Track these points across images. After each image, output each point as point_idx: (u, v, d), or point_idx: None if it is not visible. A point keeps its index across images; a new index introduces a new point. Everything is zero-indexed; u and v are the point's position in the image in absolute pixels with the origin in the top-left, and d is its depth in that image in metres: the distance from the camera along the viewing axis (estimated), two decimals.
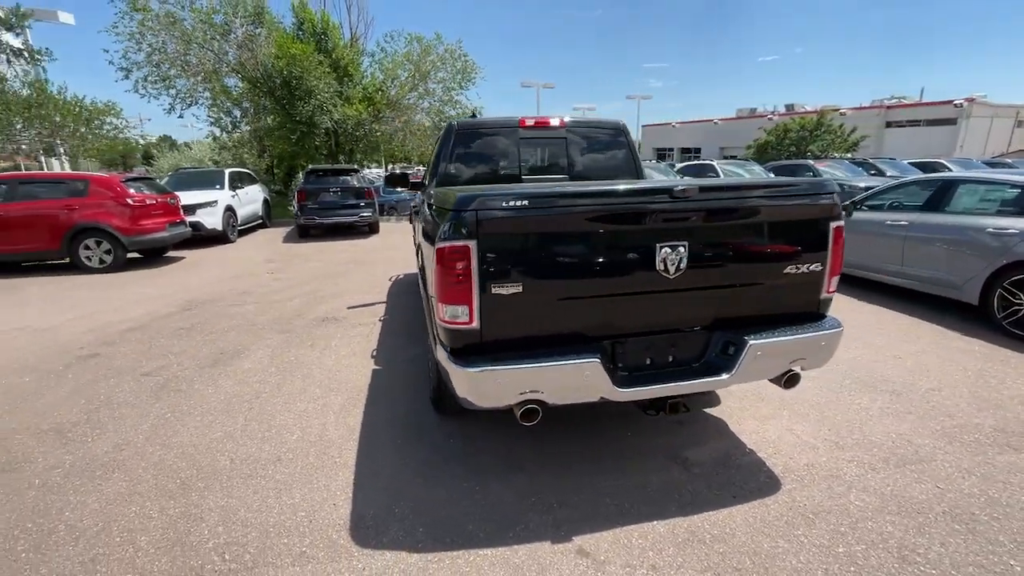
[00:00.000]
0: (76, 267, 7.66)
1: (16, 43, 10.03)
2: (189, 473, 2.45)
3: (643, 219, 1.97)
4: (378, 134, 17.35)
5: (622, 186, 2.02)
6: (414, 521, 2.10)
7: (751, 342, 2.09)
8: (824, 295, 2.29)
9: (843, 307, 5.00)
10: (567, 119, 3.85)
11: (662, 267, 1.99)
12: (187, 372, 3.68)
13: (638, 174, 3.96)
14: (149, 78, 14.41)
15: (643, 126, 46.73)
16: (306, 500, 2.24)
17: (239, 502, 2.22)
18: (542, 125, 3.80)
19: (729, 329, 2.20)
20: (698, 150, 40.04)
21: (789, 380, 2.27)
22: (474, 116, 4.48)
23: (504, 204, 1.84)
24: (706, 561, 1.88)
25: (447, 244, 1.85)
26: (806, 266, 2.19)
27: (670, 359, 2.20)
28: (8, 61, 10.12)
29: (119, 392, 3.36)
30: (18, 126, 10.07)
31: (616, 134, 3.97)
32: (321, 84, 14.65)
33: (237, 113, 17.38)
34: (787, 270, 2.17)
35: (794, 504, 2.18)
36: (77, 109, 10.98)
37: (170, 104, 15.72)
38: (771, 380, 2.29)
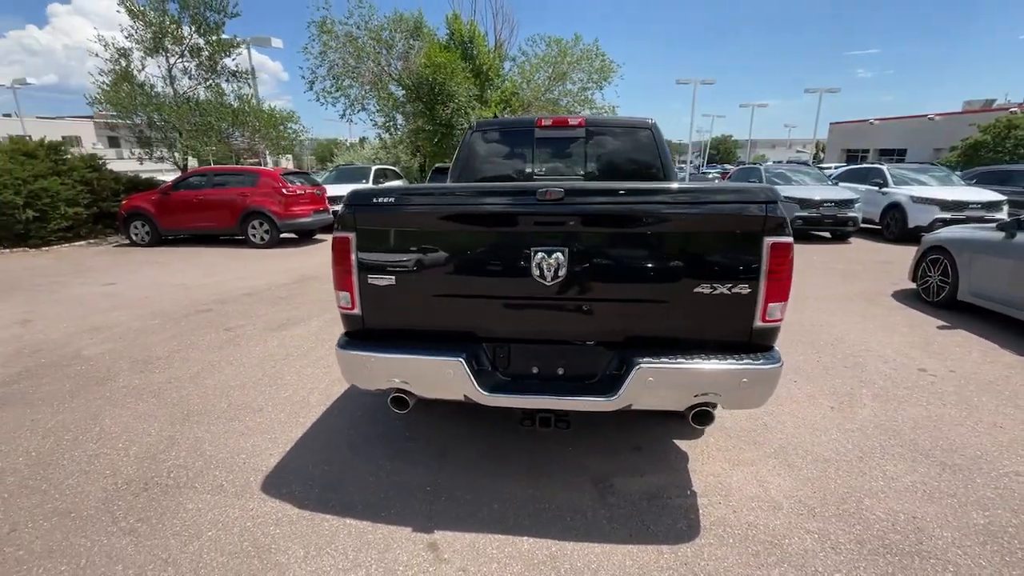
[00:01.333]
0: (246, 242, 9.68)
1: (231, 64, 12.96)
2: (196, 408, 3.05)
3: (511, 221, 1.88)
4: None
5: (483, 186, 1.96)
6: (317, 483, 2.34)
7: (640, 365, 1.85)
8: (759, 324, 1.90)
9: (972, 353, 3.88)
10: (588, 118, 3.70)
11: (538, 273, 1.88)
12: (255, 332, 4.49)
13: (665, 175, 3.62)
14: (327, 88, 17.28)
15: (831, 124, 40.08)
16: (255, 446, 2.63)
17: (210, 437, 2.72)
18: (560, 124, 3.70)
19: (637, 349, 1.97)
20: (902, 151, 32.95)
21: (698, 417, 1.95)
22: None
23: (375, 200, 1.94)
24: None
25: (335, 235, 2.02)
26: (726, 287, 1.84)
27: (559, 372, 2.06)
28: (227, 80, 13.12)
29: (202, 340, 4.27)
30: (230, 131, 13.01)
31: (641, 133, 3.68)
32: (461, 89, 15.91)
33: (399, 117, 19.78)
34: (698, 289, 1.85)
35: (690, 563, 1.87)
36: (270, 117, 13.71)
37: (344, 109, 18.67)
38: (683, 414, 1.99)
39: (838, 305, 5.33)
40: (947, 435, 2.71)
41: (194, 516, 2.10)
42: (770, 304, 1.86)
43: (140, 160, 12.93)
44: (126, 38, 11.86)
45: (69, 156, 10.59)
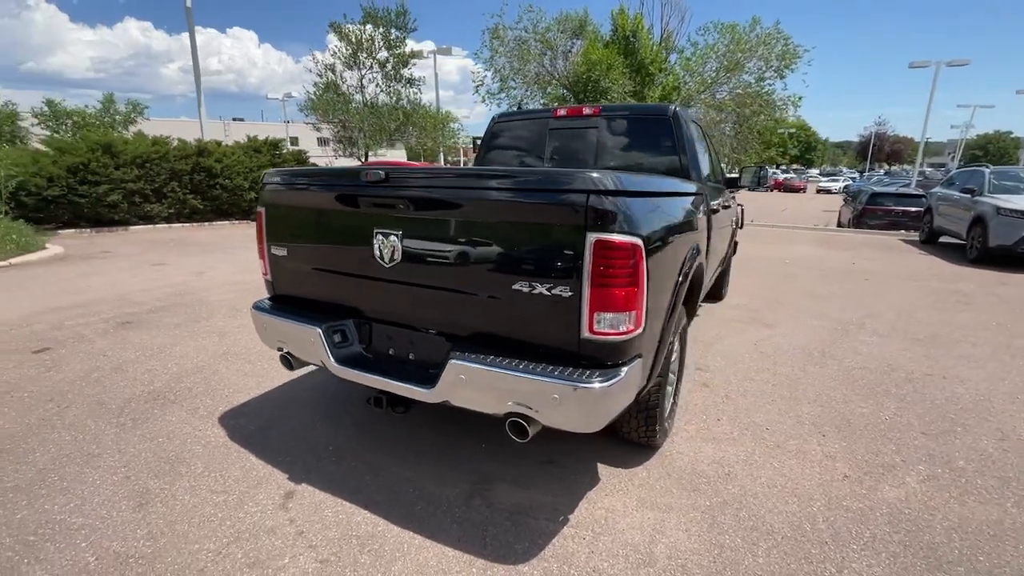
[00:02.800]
0: None
1: (406, 73, 15.02)
2: (237, 350, 3.78)
3: (352, 203, 1.92)
4: None
5: (332, 170, 2.02)
6: (257, 422, 2.73)
7: (452, 361, 1.74)
8: (586, 335, 1.59)
9: None
10: (606, 106, 3.40)
11: (379, 255, 1.90)
12: None
13: (681, 163, 3.14)
14: (491, 90, 18.65)
15: None
16: (244, 385, 3.17)
17: (225, 372, 3.36)
18: (574, 115, 3.48)
19: (465, 343, 1.85)
20: None
21: (514, 427, 1.73)
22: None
23: (270, 180, 2.18)
24: (342, 558, 1.80)
25: (257, 209, 2.34)
26: (545, 287, 1.60)
27: (410, 356, 2.03)
28: (404, 87, 15.24)
29: None
30: (401, 131, 15.12)
31: (659, 121, 3.22)
32: (615, 86, 15.58)
33: None
34: (517, 287, 1.64)
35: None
36: (435, 118, 15.49)
37: (508, 109, 19.92)
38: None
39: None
40: None
41: (163, 426, 2.68)
42: (596, 313, 1.57)
43: (336, 156, 15.90)
44: (332, 55, 14.68)
45: (284, 151, 13.60)
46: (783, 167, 68.60)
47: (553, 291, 1.60)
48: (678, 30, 19.27)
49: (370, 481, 2.26)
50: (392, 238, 1.86)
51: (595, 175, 1.52)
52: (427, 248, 1.83)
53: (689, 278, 2.20)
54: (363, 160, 15.06)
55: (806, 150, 78.68)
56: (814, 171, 68.73)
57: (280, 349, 2.28)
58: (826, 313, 5.01)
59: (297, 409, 2.90)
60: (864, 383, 3.33)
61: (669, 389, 2.60)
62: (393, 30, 14.15)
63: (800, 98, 17.01)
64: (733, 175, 4.65)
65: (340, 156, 15.67)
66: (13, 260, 6.85)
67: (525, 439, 1.72)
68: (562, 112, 3.51)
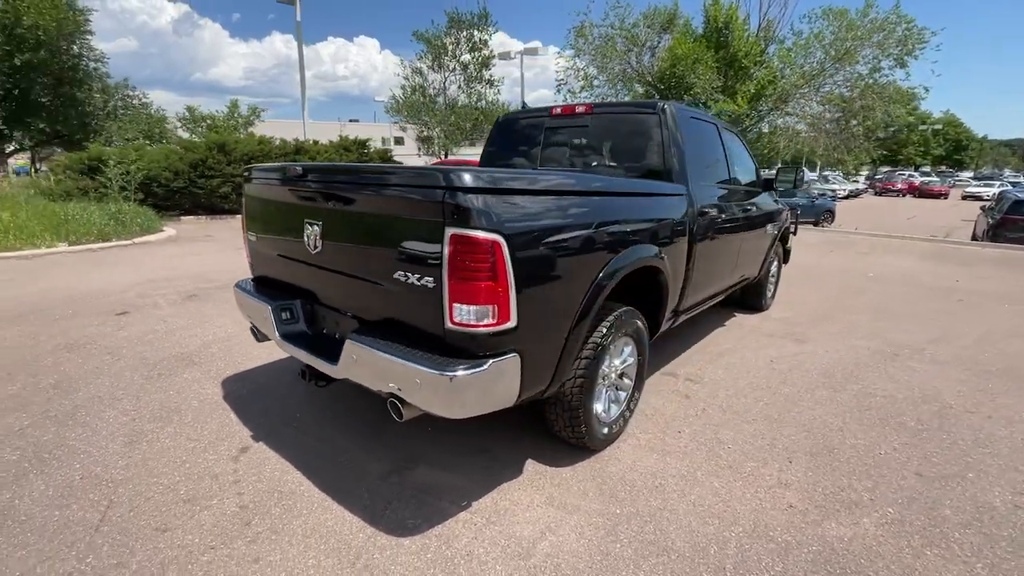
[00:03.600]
0: None
1: (486, 75, 15.47)
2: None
3: (285, 196, 2.13)
4: (755, 131, 15.82)
5: (270, 166, 2.23)
6: (251, 385, 3.11)
7: (348, 341, 1.88)
8: (449, 325, 1.65)
9: None
10: (597, 104, 3.31)
11: (308, 242, 2.10)
12: None
13: (664, 163, 2.97)
14: (572, 89, 18.47)
15: None
16: (257, 355, 3.59)
17: (245, 341, 3.84)
18: (568, 113, 3.43)
19: (367, 326, 1.99)
20: None
21: (392, 407, 1.82)
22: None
23: (245, 173, 2.49)
24: (258, 507, 2.04)
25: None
26: (415, 278, 1.68)
27: (336, 335, 2.21)
28: (485, 87, 15.73)
29: None
30: (477, 129, 15.69)
31: (647, 119, 3.06)
32: (700, 81, 14.71)
33: None
34: (396, 275, 1.74)
35: (363, 548, 1.83)
36: None
37: None
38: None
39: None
40: None
41: (178, 382, 3.16)
42: (455, 304, 1.62)
43: (419, 154, 16.88)
44: (418, 59, 15.58)
45: (370, 149, 14.73)
46: (922, 168, 59.64)
47: (422, 281, 1.68)
48: (780, 18, 17.61)
49: (316, 448, 2.50)
50: (315, 227, 2.06)
51: (454, 172, 1.58)
52: (336, 237, 2.01)
53: (614, 280, 2.13)
54: (442, 158, 15.87)
55: (955, 149, 67.69)
56: (966, 174, 58.73)
57: (249, 322, 2.60)
58: (882, 334, 4.43)
59: (289, 380, 3.25)
60: (878, 413, 2.94)
61: (612, 393, 2.54)
62: (475, 32, 14.68)
63: (926, 89, 14.77)
64: (771, 176, 4.29)
65: (422, 155, 16.65)
66: (136, 239, 8.27)
67: (400, 419, 1.82)
68: (557, 111, 3.49)
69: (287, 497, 2.12)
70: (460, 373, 1.63)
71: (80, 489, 2.13)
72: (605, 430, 2.44)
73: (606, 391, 2.51)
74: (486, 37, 14.95)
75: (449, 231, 1.58)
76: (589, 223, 2.00)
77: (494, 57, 15.25)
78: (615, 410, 2.57)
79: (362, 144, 14.48)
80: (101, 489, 2.13)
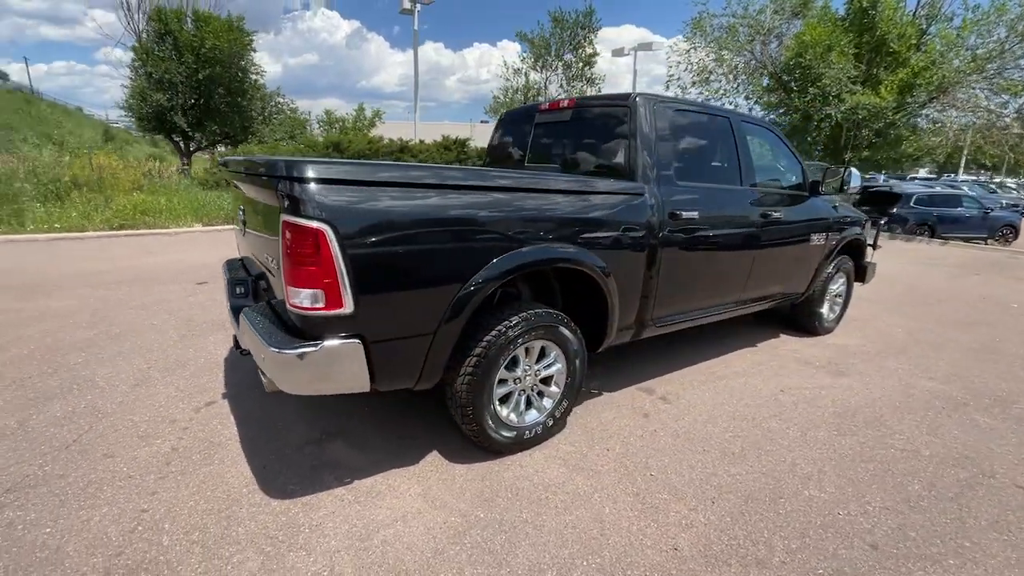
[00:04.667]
0: None
1: (588, 73, 15.17)
2: None
3: (233, 185, 2.39)
4: (901, 128, 13.29)
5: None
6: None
7: (242, 314, 2.08)
8: (289, 307, 1.74)
9: None
10: (580, 98, 3.11)
11: (240, 227, 2.35)
12: None
13: (627, 161, 2.70)
14: (683, 85, 17.29)
15: None
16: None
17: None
18: (553, 108, 3.28)
19: (273, 305, 2.18)
20: None
21: (263, 377, 1.97)
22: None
23: (220, 162, 2.84)
24: (185, 452, 2.37)
25: None
26: (273, 262, 1.82)
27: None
28: (586, 85, 15.46)
29: None
30: None
31: (617, 112, 2.80)
32: (831, 71, 12.79)
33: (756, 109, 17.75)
34: (270, 259, 1.89)
35: (232, 500, 2.02)
36: None
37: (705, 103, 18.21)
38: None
39: None
40: None
41: (201, 343, 3.72)
42: (290, 287, 1.72)
43: None
44: (521, 60, 15.87)
45: (469, 147, 15.42)
46: None
47: (278, 265, 1.82)
48: None
49: (261, 413, 2.78)
50: (241, 213, 2.32)
51: (293, 163, 1.68)
52: (249, 224, 2.24)
53: (497, 280, 2.04)
54: None
55: None
56: None
57: None
58: (967, 377, 3.57)
59: None
60: (876, 468, 2.41)
61: (533, 398, 2.46)
62: (579, 31, 14.53)
63: None
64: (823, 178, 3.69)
65: None
66: None
67: (267, 391, 1.98)
68: (545, 107, 3.38)
69: (212, 447, 2.42)
70: (288, 351, 1.73)
71: (78, 415, 2.66)
72: (511, 434, 2.36)
73: (519, 395, 2.42)
74: (592, 36, 14.73)
75: (283, 218, 1.69)
76: (456, 218, 1.95)
77: (597, 55, 14.97)
78: (533, 416, 2.47)
79: (462, 144, 15.22)
80: (89, 417, 2.63)
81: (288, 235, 1.68)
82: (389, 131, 18.12)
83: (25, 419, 2.59)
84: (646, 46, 20.20)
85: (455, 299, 1.98)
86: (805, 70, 13.37)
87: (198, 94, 16.42)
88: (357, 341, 1.81)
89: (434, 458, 2.40)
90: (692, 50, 16.99)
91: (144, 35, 16.02)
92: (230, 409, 2.79)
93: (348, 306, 1.75)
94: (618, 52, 21.01)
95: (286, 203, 1.68)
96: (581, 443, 2.56)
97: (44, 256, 6.58)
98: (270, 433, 2.57)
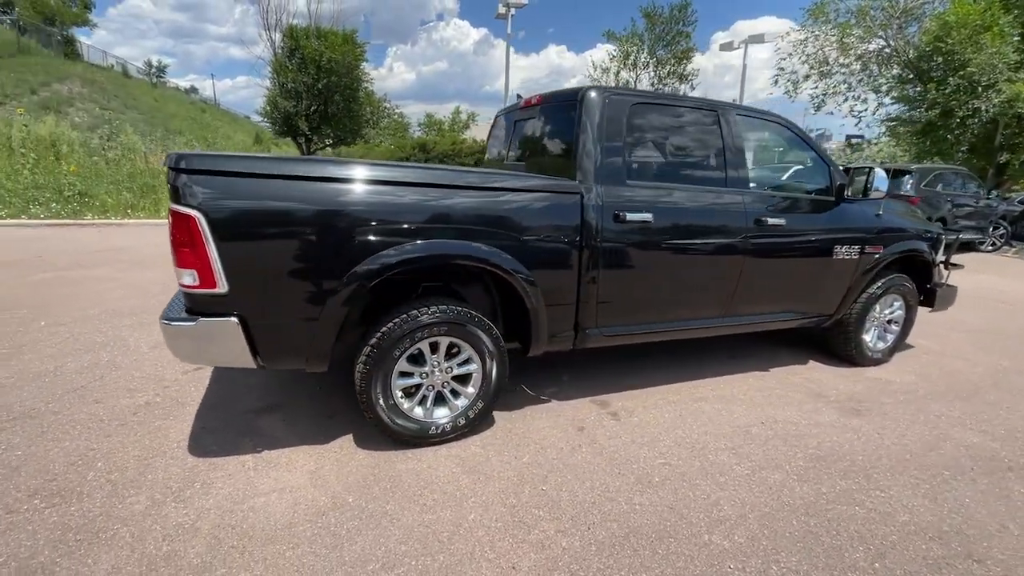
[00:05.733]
0: None
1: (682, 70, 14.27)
2: None
3: None
4: None
5: None
6: None
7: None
8: (179, 285, 1.94)
9: None
10: (547, 95, 2.96)
11: None
12: None
13: (572, 158, 2.53)
14: (794, 80, 15.51)
15: None
16: None
17: None
18: (527, 105, 3.17)
19: None
20: None
21: None
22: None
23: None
24: (145, 407, 2.75)
25: None
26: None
27: None
28: (677, 82, 14.59)
29: None
30: None
31: (568, 107, 2.62)
32: (979, 56, 10.57)
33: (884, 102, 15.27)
34: None
35: (135, 466, 2.31)
36: None
37: (819, 100, 16.19)
38: None
39: None
40: None
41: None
42: (176, 267, 1.92)
43: None
44: (610, 59, 15.43)
45: None
46: None
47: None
48: None
49: (231, 383, 3.09)
50: None
51: (179, 156, 1.87)
52: None
53: (383, 274, 2.08)
54: None
55: None
56: None
57: None
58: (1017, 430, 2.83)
59: None
60: (819, 524, 2.02)
61: (447, 395, 2.47)
62: (673, 26, 13.73)
63: None
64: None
65: None
66: None
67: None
68: (522, 104, 3.29)
69: (177, 406, 2.77)
70: (171, 324, 1.95)
71: (99, 367, 3.20)
72: (413, 426, 2.38)
73: (428, 390, 2.44)
74: (688, 30, 13.86)
75: (169, 205, 1.90)
76: (333, 211, 2.00)
77: (693, 50, 14.03)
78: (443, 413, 2.47)
79: None
80: (105, 369, 3.16)
81: (170, 220, 1.89)
82: (485, 132, 18.81)
83: (62, 365, 3.19)
84: (757, 38, 18.47)
85: (335, 289, 2.06)
86: (947, 56, 11.24)
87: (319, 101, 18.54)
88: (234, 320, 1.98)
89: (345, 441, 2.50)
90: (810, 39, 15.20)
91: (279, 50, 18.48)
92: (211, 376, 3.15)
93: (222, 286, 1.92)
94: (727, 46, 19.48)
95: (170, 192, 1.89)
96: (493, 447, 2.49)
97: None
98: (227, 400, 2.87)
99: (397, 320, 2.22)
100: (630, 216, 2.56)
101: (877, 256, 3.40)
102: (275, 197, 1.94)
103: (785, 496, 2.19)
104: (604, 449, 2.50)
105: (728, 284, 2.94)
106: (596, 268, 2.55)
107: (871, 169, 3.02)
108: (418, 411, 2.42)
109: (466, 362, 2.47)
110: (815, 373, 3.60)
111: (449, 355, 2.44)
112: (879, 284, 3.52)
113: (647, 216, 2.60)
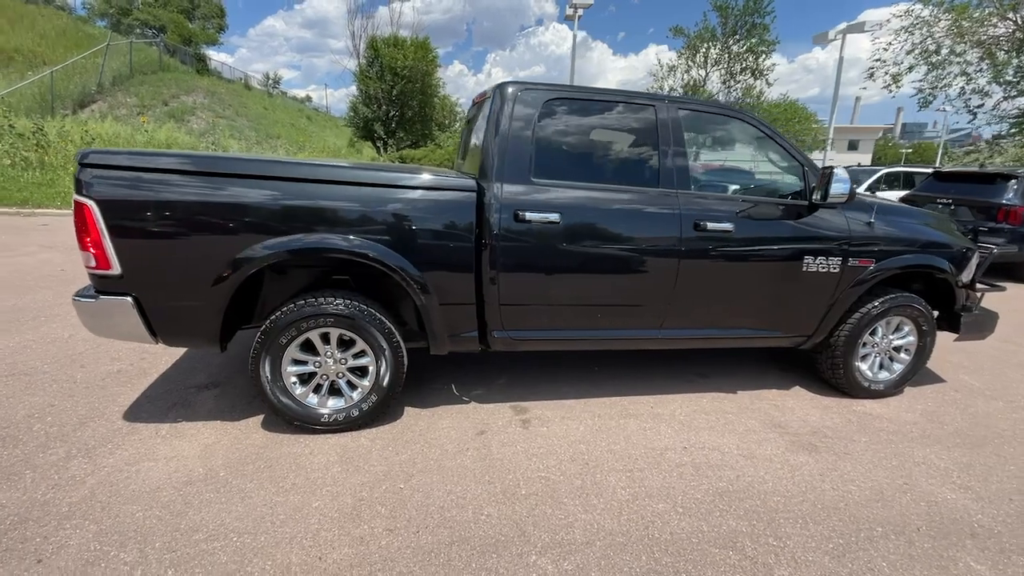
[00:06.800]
0: None
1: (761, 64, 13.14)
2: None
3: None
4: None
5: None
6: None
7: None
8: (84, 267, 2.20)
9: None
10: (485, 92, 2.89)
11: None
12: None
13: (483, 156, 2.47)
14: (893, 72, 13.61)
15: None
16: None
17: None
18: (475, 103, 3.12)
19: None
20: None
21: None
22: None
23: None
24: (113, 371, 3.13)
25: None
26: None
27: None
28: (751, 78, 13.48)
29: None
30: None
31: (485, 105, 2.54)
32: None
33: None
34: None
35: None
36: (785, 111, 13.17)
37: (929, 91, 14.08)
38: None
39: None
40: None
41: None
42: (80, 250, 2.18)
43: None
44: (678, 55, 14.64)
45: None
46: None
47: None
48: None
49: (196, 358, 3.43)
50: None
51: (82, 153, 2.11)
52: None
53: (260, 262, 2.20)
54: None
55: None
56: None
57: None
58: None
59: None
60: (644, 566, 1.81)
61: (342, 385, 2.57)
62: (749, 18, 12.67)
63: None
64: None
65: None
66: None
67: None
68: (473, 101, 3.26)
69: (140, 376, 3.13)
70: (76, 300, 2.21)
71: (98, 342, 3.70)
72: (298, 408, 2.48)
73: (322, 379, 2.53)
74: (767, 22, 12.70)
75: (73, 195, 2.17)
76: (213, 204, 2.14)
77: (774, 43, 12.81)
78: (335, 402, 2.55)
79: None
80: (103, 339, 3.64)
81: (73, 209, 2.15)
82: None
83: (75, 334, 3.73)
84: (857, 27, 16.50)
85: (216, 276, 2.21)
86: None
87: (395, 107, 19.69)
88: (128, 299, 2.20)
89: (252, 421, 2.66)
90: (918, 24, 13.30)
91: (362, 60, 19.92)
92: (186, 353, 3.51)
93: (115, 268, 2.15)
94: (821, 38, 17.68)
95: (74, 184, 2.15)
96: (382, 440, 2.53)
97: None
98: (182, 375, 3.18)
99: (284, 309, 2.33)
100: (532, 215, 2.45)
101: (868, 270, 2.93)
102: (158, 189, 2.13)
103: (654, 529, 1.99)
104: (489, 456, 2.43)
105: (661, 294, 2.71)
106: (495, 269, 2.48)
107: (831, 170, 2.61)
108: (313, 398, 2.52)
109: (360, 355, 2.52)
110: (791, 401, 3.18)
111: (346, 347, 2.51)
112: (876, 303, 3.02)
113: (552, 216, 2.48)
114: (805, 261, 2.83)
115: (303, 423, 2.50)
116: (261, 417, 2.69)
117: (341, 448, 2.45)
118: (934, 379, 3.64)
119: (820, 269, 2.86)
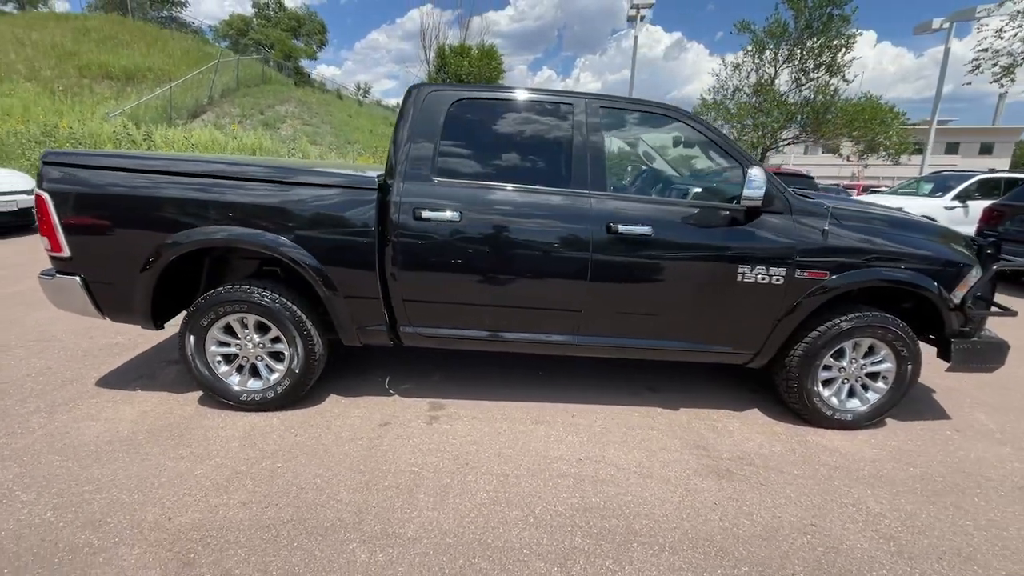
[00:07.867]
0: None
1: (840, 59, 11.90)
2: None
3: None
4: None
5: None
6: None
7: None
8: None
9: None
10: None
11: None
12: None
13: (390, 159, 2.55)
14: (1004, 63, 11.65)
15: None
16: None
17: None
18: None
19: None
20: None
21: None
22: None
23: None
24: (90, 351, 3.60)
25: None
26: None
27: None
28: (829, 74, 12.24)
29: None
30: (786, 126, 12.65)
31: (402, 103, 2.59)
32: None
33: None
34: None
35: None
36: (862, 111, 11.88)
37: None
38: None
39: None
40: None
41: None
42: (41, 235, 2.57)
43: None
44: (745, 54, 13.65)
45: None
46: None
47: None
48: None
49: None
50: None
51: (46, 151, 2.49)
52: None
53: (174, 250, 2.46)
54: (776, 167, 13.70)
55: None
56: None
57: None
58: (978, 556, 1.95)
59: None
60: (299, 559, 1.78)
61: (261, 365, 2.78)
62: (827, 9, 11.45)
63: None
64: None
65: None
66: None
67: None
68: None
69: (114, 355, 3.51)
70: (40, 277, 2.60)
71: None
72: (228, 389, 2.71)
73: (243, 360, 2.75)
74: (848, 14, 11.37)
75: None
76: (137, 197, 2.42)
77: (856, 35, 11.44)
78: (254, 383, 2.77)
79: None
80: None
81: (35, 200, 2.54)
82: None
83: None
84: (965, 14, 14.40)
85: (142, 262, 2.50)
86: None
87: None
88: (76, 278, 2.55)
89: (193, 395, 2.94)
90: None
91: (431, 68, 20.85)
92: (162, 334, 3.95)
93: (66, 251, 2.51)
94: (923, 28, 15.69)
95: (36, 178, 2.54)
96: (287, 423, 2.68)
97: None
98: (164, 350, 3.59)
99: (207, 295, 2.58)
100: (430, 214, 2.49)
101: (820, 284, 2.61)
102: (98, 183, 2.46)
103: (490, 535, 1.95)
104: (377, 447, 2.50)
105: (571, 298, 2.62)
106: (396, 265, 2.55)
107: (745, 171, 2.35)
108: (235, 378, 2.75)
109: (276, 341, 2.71)
110: (736, 423, 2.91)
111: (264, 333, 2.71)
112: (839, 322, 2.69)
113: (451, 215, 2.50)
114: (740, 270, 2.59)
115: (221, 398, 2.73)
116: (200, 393, 2.97)
117: (250, 426, 2.64)
118: (937, 414, 3.14)
119: (759, 280, 2.60)
